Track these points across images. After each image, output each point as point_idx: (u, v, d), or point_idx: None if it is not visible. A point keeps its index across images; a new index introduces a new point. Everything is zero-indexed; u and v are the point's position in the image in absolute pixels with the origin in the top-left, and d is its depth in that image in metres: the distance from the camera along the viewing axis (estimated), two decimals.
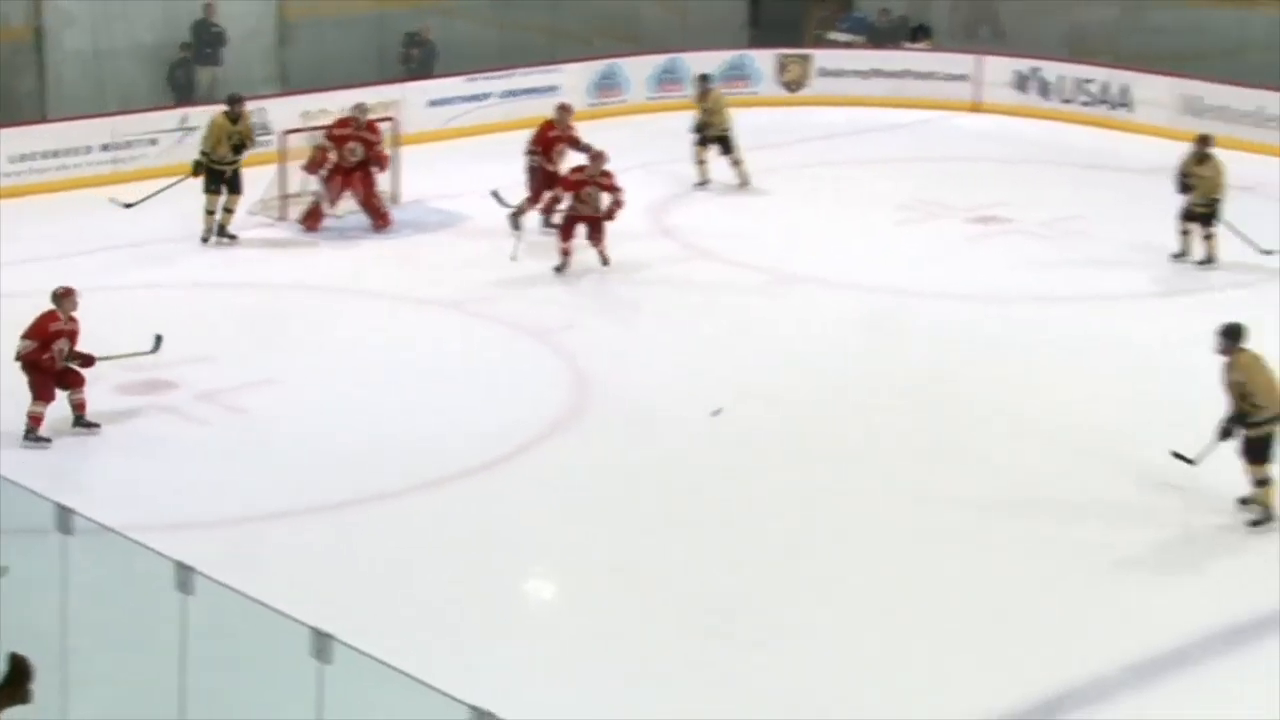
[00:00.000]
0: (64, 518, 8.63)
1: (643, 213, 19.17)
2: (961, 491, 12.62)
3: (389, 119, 21.08)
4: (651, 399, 14.47)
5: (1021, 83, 25.70)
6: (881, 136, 22.73)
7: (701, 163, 20.75)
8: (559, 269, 17.44)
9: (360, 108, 19.54)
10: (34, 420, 13.19)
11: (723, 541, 11.91)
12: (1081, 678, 10.13)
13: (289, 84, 24.17)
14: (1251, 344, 12.15)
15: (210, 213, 18.66)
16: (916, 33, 27.84)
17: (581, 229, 17.55)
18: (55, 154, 20.93)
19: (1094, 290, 17.24)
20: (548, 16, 26.66)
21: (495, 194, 18.48)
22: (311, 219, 19.32)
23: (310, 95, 22.93)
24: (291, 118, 21.64)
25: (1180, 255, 18.19)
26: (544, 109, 23.67)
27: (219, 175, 18.64)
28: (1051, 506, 12.42)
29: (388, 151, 19.60)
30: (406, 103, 23.08)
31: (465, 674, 9.70)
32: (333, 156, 19.09)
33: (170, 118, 21.73)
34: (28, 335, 13.25)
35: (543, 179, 18.75)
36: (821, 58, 26.78)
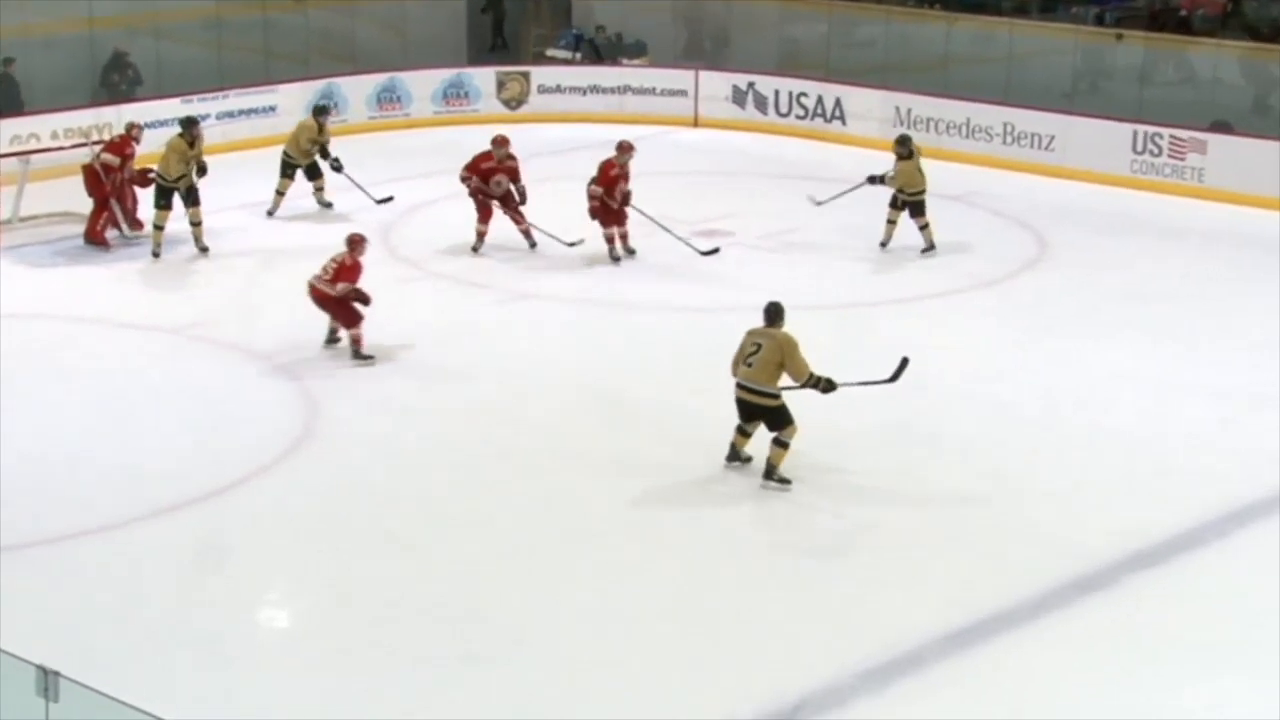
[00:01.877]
0: (49, 682, 7.86)
1: (373, 234, 19.07)
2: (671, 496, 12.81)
3: (100, 143, 20.64)
4: (381, 419, 14.42)
5: (739, 97, 26.13)
6: (603, 152, 22.81)
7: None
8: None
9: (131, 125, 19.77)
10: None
11: (454, 555, 11.92)
12: (816, 681, 10.30)
13: None
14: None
15: (160, 228, 18.81)
16: (634, 49, 28.12)
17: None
18: None
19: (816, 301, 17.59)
20: (261, 37, 26.31)
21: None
22: (97, 233, 19.18)
23: (17, 119, 22.31)
24: None
25: (884, 244, 19.39)
26: (262, 130, 23.51)
27: (170, 192, 18.79)
28: (717, 502, 12.80)
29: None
30: (120, 126, 22.49)
31: (195, 706, 9.57)
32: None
33: None
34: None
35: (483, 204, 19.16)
36: (540, 74, 26.90)
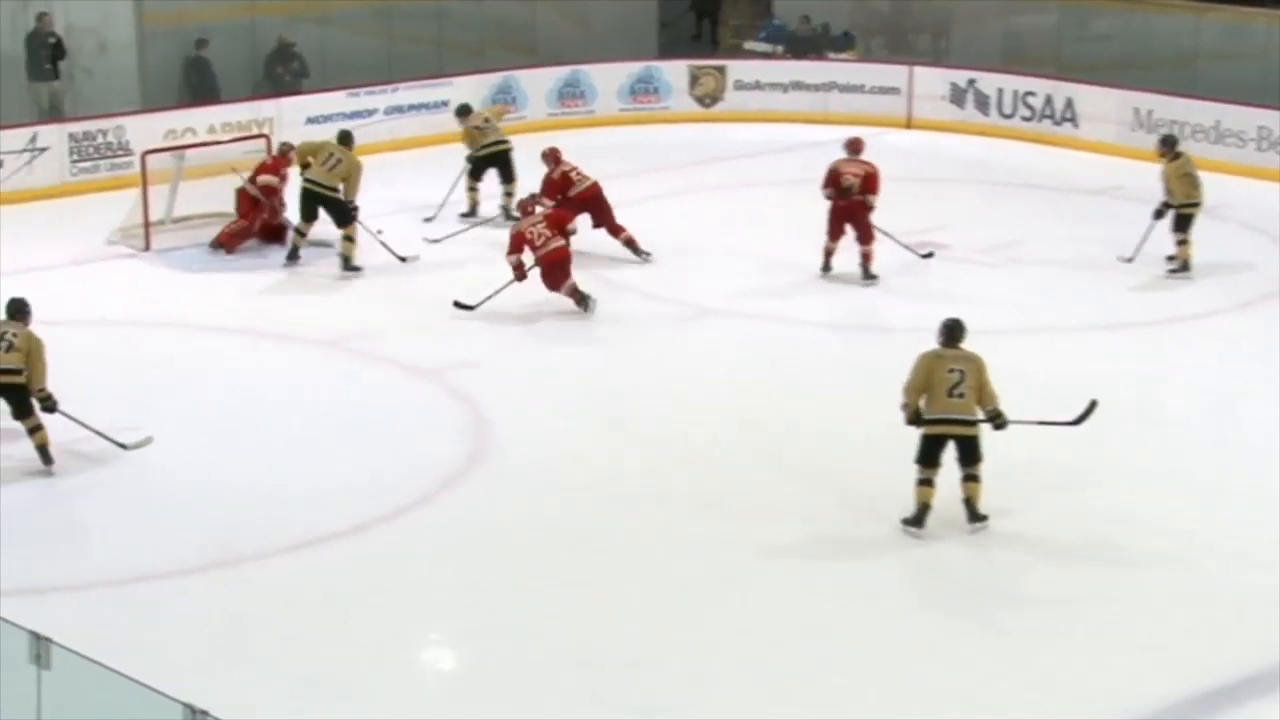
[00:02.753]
0: (40, 649, 8.28)
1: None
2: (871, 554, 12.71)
3: (262, 136, 21.06)
4: (553, 443, 14.52)
5: (958, 96, 25.96)
6: (804, 155, 22.73)
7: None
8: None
9: (285, 146, 19.94)
10: None
11: (615, 598, 11.95)
12: None
13: (149, 100, 24.01)
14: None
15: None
16: (841, 41, 28.07)
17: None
18: None
19: (1038, 323, 17.39)
20: (435, 27, 26.69)
21: None
22: (230, 239, 19.48)
23: (174, 112, 22.85)
24: (153, 137, 21.57)
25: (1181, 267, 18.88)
26: (431, 127, 23.83)
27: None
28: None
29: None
30: (281, 121, 23.00)
31: None
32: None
33: (17, 137, 21.55)
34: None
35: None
36: (737, 69, 26.95)
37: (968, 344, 12.80)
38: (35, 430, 13.60)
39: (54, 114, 23.05)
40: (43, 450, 13.60)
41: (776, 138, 25.00)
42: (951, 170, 23.69)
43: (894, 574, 12.45)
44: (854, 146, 18.91)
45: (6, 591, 11.36)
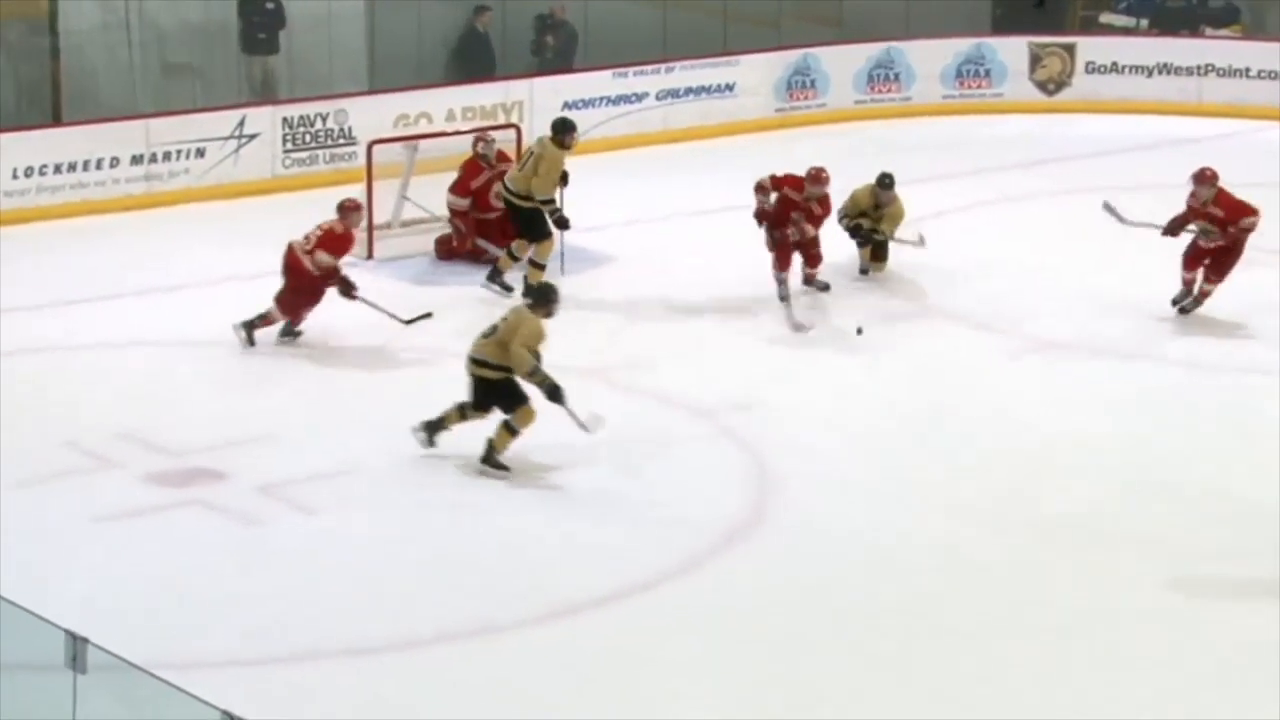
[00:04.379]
0: (77, 649, 8.63)
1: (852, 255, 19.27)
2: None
3: (512, 126, 21.24)
4: (844, 502, 14.52)
5: None
6: (1169, 154, 22.41)
7: None
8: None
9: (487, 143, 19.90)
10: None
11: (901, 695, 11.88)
12: None
13: (377, 81, 24.43)
14: None
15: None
16: (1222, 14, 27.64)
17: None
18: (71, 167, 21.28)
19: None
20: None
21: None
22: (446, 246, 19.85)
23: (405, 94, 23.17)
24: (381, 125, 21.90)
25: None
26: (716, 113, 23.89)
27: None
28: None
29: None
30: (534, 106, 23.23)
31: None
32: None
33: (222, 121, 22.08)
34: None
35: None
36: (1089, 48, 26.65)
37: None
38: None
39: (267, 94, 23.55)
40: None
41: (1135, 133, 24.70)
42: None
43: None
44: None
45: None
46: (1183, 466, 15.18)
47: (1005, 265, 19.69)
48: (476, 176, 19.62)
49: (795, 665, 12.16)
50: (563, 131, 18.66)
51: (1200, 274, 18.32)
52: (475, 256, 19.62)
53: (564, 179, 18.62)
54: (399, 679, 11.90)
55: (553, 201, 18.54)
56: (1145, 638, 12.54)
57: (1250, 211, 18.04)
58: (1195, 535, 14.01)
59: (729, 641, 12.49)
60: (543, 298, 14.79)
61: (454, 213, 19.75)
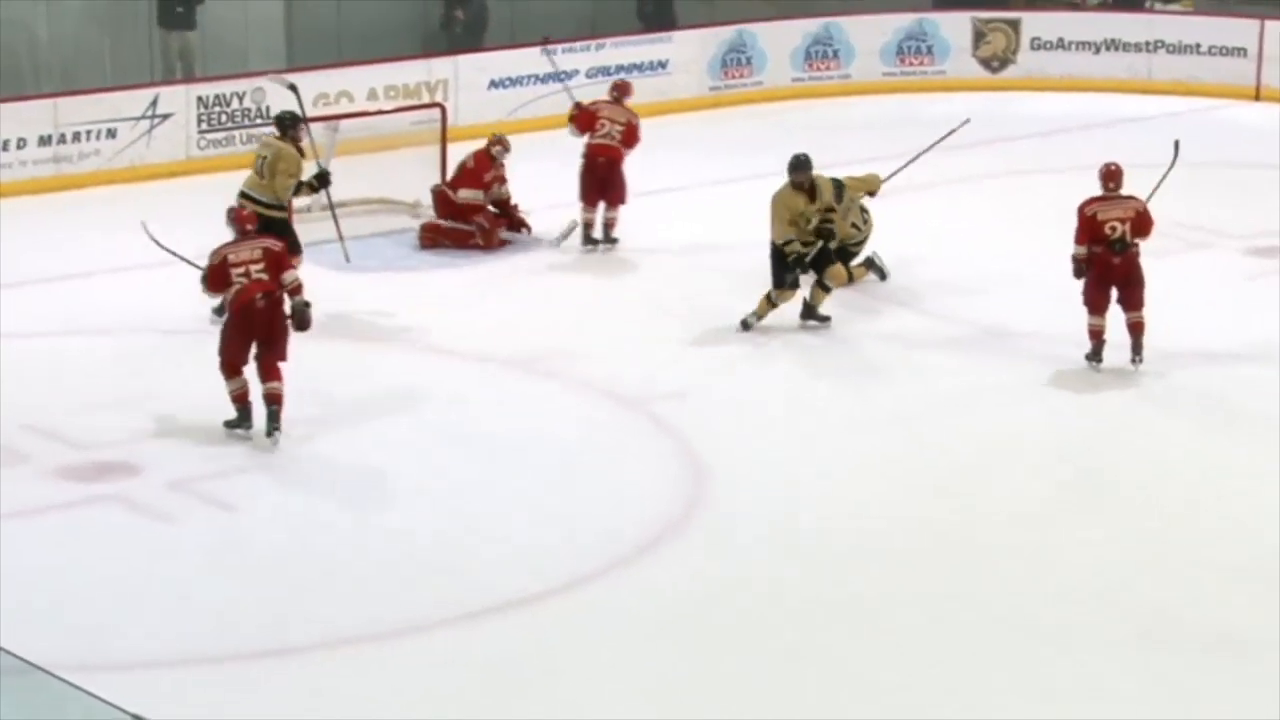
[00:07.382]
0: None
1: None
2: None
3: (436, 105, 21.22)
4: (776, 498, 14.51)
5: None
6: (1120, 134, 22.49)
7: None
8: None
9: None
10: None
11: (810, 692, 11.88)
12: None
13: (296, 59, 24.36)
14: None
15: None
16: None
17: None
18: None
19: None
20: None
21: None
22: (431, 234, 20.00)
23: (326, 71, 23.12)
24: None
25: None
26: (648, 91, 23.91)
27: None
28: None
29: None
30: (459, 84, 23.22)
31: None
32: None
33: (134, 100, 21.96)
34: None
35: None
36: (1034, 23, 26.74)
37: None
38: None
39: (185, 71, 23.46)
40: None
41: (1082, 111, 24.80)
42: None
43: None
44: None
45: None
46: (1130, 459, 15.28)
47: (950, 249, 19.72)
48: (488, 170, 19.79)
49: (718, 663, 12.15)
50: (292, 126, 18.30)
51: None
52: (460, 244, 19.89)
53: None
54: (319, 680, 11.88)
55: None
56: (1092, 625, 12.53)
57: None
58: (1141, 527, 14.04)
59: (657, 639, 12.47)
60: None
61: (470, 208, 19.80)
